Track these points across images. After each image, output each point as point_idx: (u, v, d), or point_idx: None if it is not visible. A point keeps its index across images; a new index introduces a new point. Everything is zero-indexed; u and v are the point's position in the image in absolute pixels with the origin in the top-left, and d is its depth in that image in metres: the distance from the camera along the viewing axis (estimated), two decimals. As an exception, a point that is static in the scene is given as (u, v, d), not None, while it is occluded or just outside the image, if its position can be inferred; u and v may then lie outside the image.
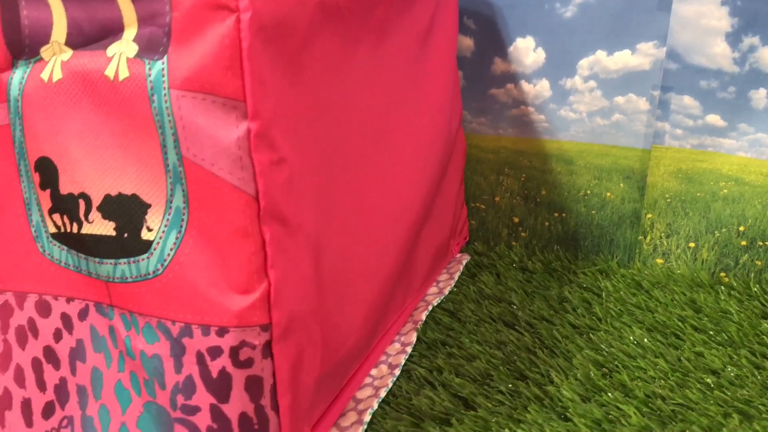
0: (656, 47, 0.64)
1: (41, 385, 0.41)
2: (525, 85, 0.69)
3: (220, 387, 0.36)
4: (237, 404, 0.36)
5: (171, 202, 0.36)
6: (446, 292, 0.63)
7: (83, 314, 0.40)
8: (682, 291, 0.63)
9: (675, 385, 0.49)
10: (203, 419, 0.36)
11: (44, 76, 0.37)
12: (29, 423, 0.41)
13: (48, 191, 0.39)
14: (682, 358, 0.53)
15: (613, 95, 0.66)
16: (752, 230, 0.65)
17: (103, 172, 0.37)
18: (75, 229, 0.38)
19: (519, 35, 0.68)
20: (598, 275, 0.67)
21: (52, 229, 0.39)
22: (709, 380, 0.50)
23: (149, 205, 0.36)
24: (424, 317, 0.57)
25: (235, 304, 0.35)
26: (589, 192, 0.70)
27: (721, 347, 0.54)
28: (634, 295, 0.63)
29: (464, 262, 0.69)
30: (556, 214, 0.72)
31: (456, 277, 0.65)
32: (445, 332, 0.57)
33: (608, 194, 0.70)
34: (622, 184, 0.69)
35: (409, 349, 0.53)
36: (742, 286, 0.64)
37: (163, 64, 0.34)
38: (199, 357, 0.36)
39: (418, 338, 0.56)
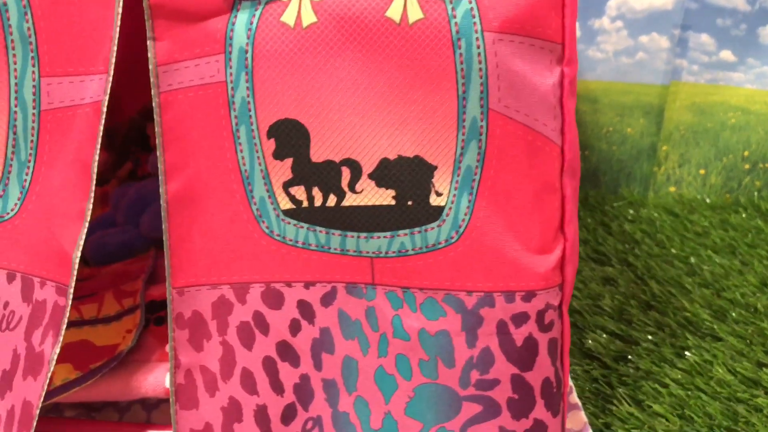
0: (679, -13, 0.67)
1: (277, 388, 0.35)
2: (554, 27, 0.70)
3: (525, 355, 0.33)
4: (540, 371, 0.34)
5: (460, 162, 0.32)
6: (518, 237, 0.63)
7: (328, 299, 0.34)
8: (711, 214, 0.69)
9: (775, 296, 0.55)
10: (502, 392, 0.34)
11: (287, 19, 0.31)
12: (267, 432, 0.35)
13: (289, 161, 0.33)
14: (760, 272, 0.58)
15: (638, 35, 0.70)
16: (755, 154, 0.73)
17: (376, 132, 0.32)
18: (332, 202, 0.33)
19: (550, -24, 0.68)
20: (638, 207, 0.71)
21: (286, 206, 0.33)
22: (798, 289, 0.56)
23: (435, 167, 0.32)
24: (526, 263, 0.57)
25: (540, 265, 0.33)
26: (611, 129, 0.74)
27: (780, 259, 0.61)
28: (679, 222, 0.67)
29: (510, 207, 0.69)
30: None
31: (515, 222, 0.66)
32: (549, 275, 0.58)
33: (629, 130, 0.73)
34: (642, 120, 0.73)
35: (536, 296, 0.53)
36: (751, 206, 0.72)
37: (470, 3, 0.30)
38: (501, 326, 0.33)
39: (534, 284, 0.56)
